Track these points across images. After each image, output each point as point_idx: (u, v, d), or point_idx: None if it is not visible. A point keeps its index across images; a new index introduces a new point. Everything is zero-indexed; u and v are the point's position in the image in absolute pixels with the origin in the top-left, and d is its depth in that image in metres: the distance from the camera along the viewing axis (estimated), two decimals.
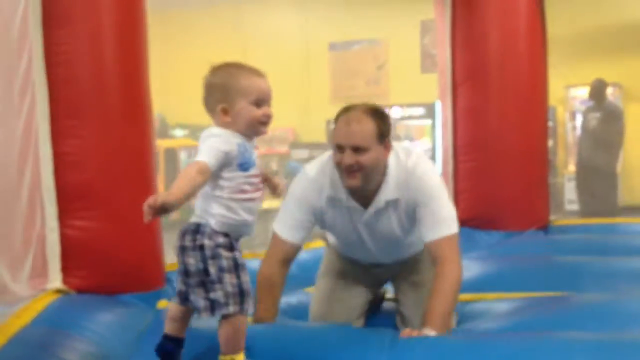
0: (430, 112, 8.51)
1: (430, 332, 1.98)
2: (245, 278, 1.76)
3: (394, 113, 8.84)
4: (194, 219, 1.80)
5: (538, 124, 3.94)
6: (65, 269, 2.44)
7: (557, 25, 4.64)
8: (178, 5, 10.73)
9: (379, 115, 2.16)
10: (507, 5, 3.84)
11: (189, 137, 11.10)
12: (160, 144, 9.67)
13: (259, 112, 1.83)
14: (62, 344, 1.99)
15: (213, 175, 1.73)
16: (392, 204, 2.23)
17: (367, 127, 2.12)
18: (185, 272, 1.77)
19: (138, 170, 2.47)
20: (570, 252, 3.25)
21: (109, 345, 2.10)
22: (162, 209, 1.60)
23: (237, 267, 1.76)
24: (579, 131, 9.72)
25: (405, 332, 2.01)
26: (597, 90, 7.15)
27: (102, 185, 2.42)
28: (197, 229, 1.76)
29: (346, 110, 2.18)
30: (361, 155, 2.11)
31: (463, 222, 3.79)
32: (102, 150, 2.42)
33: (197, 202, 1.81)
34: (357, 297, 2.42)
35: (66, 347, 1.98)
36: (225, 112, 1.80)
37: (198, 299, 1.75)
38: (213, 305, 1.73)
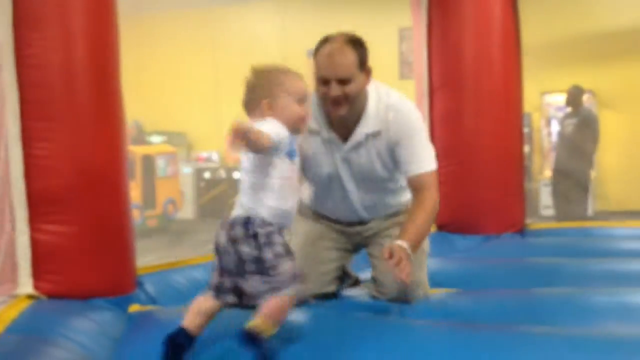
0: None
1: (403, 243, 2.05)
2: (295, 263, 1.86)
3: None
4: (240, 212, 1.87)
5: (514, 129, 3.97)
6: (36, 274, 2.40)
7: (532, 33, 4.69)
8: (151, 9, 10.66)
9: (358, 44, 2.21)
10: (482, 13, 3.87)
11: (166, 143, 11.03)
12: (137, 151, 9.60)
13: (301, 110, 1.92)
14: (39, 351, 1.96)
15: (264, 163, 1.83)
16: (373, 137, 2.27)
17: (349, 58, 2.17)
18: (238, 262, 1.83)
19: (110, 174, 2.43)
20: (545, 255, 3.30)
21: (87, 351, 2.07)
22: (241, 135, 1.66)
23: (289, 252, 1.86)
24: (554, 137, 9.85)
25: (386, 253, 2.05)
26: (574, 97, 7.25)
27: (73, 188, 2.38)
28: (247, 220, 1.84)
29: (325, 41, 2.21)
30: (347, 86, 2.16)
31: (441, 227, 3.84)
32: (73, 153, 2.38)
33: (244, 197, 1.88)
34: (330, 262, 2.41)
35: (43, 354, 1.95)
36: (269, 106, 1.88)
37: (255, 284, 1.82)
38: (273, 288, 1.80)
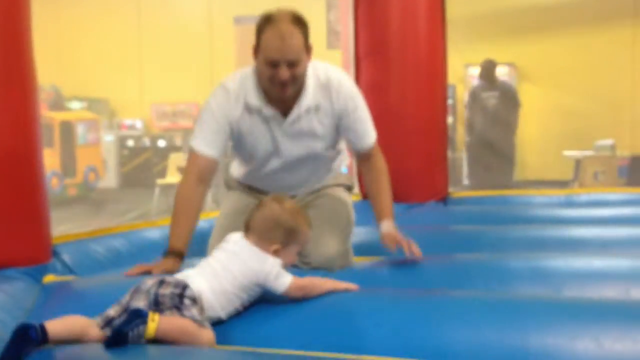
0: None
1: (391, 224, 2.29)
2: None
3: None
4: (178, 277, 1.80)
5: (438, 100, 4.02)
6: None
7: (456, 5, 4.75)
8: None
9: (302, 23, 2.19)
10: None
11: (86, 110, 10.65)
12: (56, 117, 9.23)
13: (295, 258, 2.05)
14: None
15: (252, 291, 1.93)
16: (313, 109, 2.28)
17: (298, 40, 2.15)
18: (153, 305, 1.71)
19: (19, 141, 2.30)
20: (467, 222, 3.39)
21: None
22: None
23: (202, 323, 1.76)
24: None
25: (389, 241, 2.24)
26: (487, 71, 7.42)
27: None
28: (185, 286, 1.76)
29: (270, 21, 2.14)
30: (295, 68, 2.15)
31: (366, 195, 3.87)
32: None
33: (197, 276, 1.84)
34: None
35: None
36: (276, 252, 1.93)
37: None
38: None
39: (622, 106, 9.43)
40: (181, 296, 1.72)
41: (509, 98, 7.45)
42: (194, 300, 1.73)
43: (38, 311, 2.05)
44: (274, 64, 2.14)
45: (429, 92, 3.94)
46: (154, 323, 1.63)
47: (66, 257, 2.52)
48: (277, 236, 1.89)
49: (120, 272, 2.36)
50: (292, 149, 2.33)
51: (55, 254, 2.47)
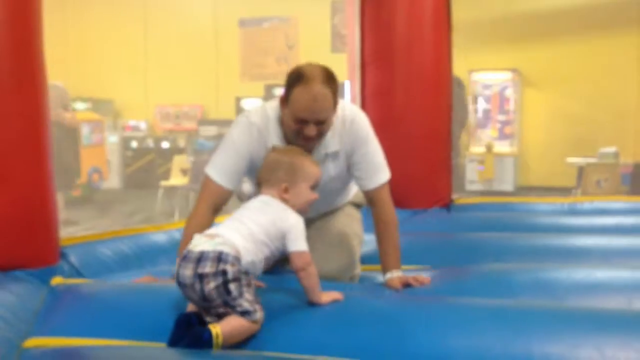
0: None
1: (398, 273, 2.26)
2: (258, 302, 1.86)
3: None
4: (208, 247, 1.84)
5: (442, 106, 4.03)
6: None
7: (462, 11, 4.76)
8: None
9: (334, 82, 2.17)
10: None
11: (91, 110, 10.68)
12: None
13: (312, 196, 2.06)
14: None
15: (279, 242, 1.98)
16: (332, 156, 2.29)
17: (329, 102, 2.13)
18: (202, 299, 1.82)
19: (31, 140, 2.32)
20: (470, 229, 3.40)
21: (6, 324, 1.99)
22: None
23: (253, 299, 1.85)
24: (480, 114, 10.11)
25: (395, 283, 2.23)
26: None
27: None
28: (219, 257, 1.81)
29: (304, 80, 2.11)
30: (322, 126, 2.15)
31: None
32: None
33: (229, 233, 1.90)
34: None
35: None
36: (286, 190, 2.02)
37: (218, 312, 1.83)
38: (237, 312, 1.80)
39: (627, 114, 9.43)
40: (225, 284, 1.77)
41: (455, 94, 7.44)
42: (236, 278, 1.79)
43: (46, 312, 2.07)
44: (301, 121, 2.14)
45: (434, 98, 3.95)
46: (219, 339, 1.74)
47: (73, 259, 2.54)
48: (281, 176, 1.99)
49: (127, 274, 2.38)
50: None
51: (62, 255, 2.49)
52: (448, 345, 1.72)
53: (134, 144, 11.09)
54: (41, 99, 2.37)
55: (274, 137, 2.25)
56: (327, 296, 1.96)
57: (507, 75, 9.91)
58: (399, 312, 1.89)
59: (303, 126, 2.14)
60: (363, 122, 2.33)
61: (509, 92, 9.93)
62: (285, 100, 2.18)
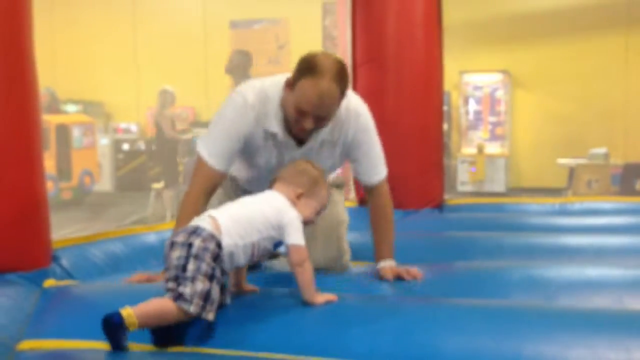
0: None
1: (391, 262, 2.28)
2: (214, 291, 1.81)
3: None
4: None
5: (434, 107, 4.05)
6: None
7: (452, 12, 4.79)
8: None
9: (344, 79, 2.10)
10: None
11: (81, 113, 10.64)
12: (52, 120, 9.21)
13: (314, 218, 2.07)
14: None
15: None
16: (328, 143, 2.26)
17: (334, 99, 2.09)
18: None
19: (22, 144, 2.31)
20: (462, 229, 3.42)
21: None
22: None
23: (212, 277, 1.81)
24: (471, 115, 10.15)
25: (387, 273, 2.25)
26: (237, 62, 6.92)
27: None
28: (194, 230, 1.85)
29: (315, 72, 2.04)
30: (322, 122, 2.13)
31: (362, 202, 3.89)
32: None
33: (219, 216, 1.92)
34: None
35: None
36: (299, 197, 2.02)
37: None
38: (175, 294, 1.79)
39: (616, 114, 9.50)
40: (187, 258, 1.79)
41: None
42: (198, 256, 1.79)
43: (39, 314, 2.06)
44: (302, 113, 2.10)
45: (425, 99, 3.97)
46: (132, 318, 1.75)
47: (65, 261, 2.53)
48: (303, 182, 2.01)
49: (118, 276, 2.37)
50: None
51: (55, 258, 2.48)
52: (441, 346, 1.72)
53: (126, 147, 11.06)
54: (32, 101, 2.36)
55: (273, 120, 2.18)
56: (321, 297, 1.95)
57: (498, 77, 9.96)
58: (392, 313, 1.90)
59: (302, 117, 2.10)
60: (367, 115, 2.31)
61: (500, 94, 9.98)
62: (291, 85, 2.12)
